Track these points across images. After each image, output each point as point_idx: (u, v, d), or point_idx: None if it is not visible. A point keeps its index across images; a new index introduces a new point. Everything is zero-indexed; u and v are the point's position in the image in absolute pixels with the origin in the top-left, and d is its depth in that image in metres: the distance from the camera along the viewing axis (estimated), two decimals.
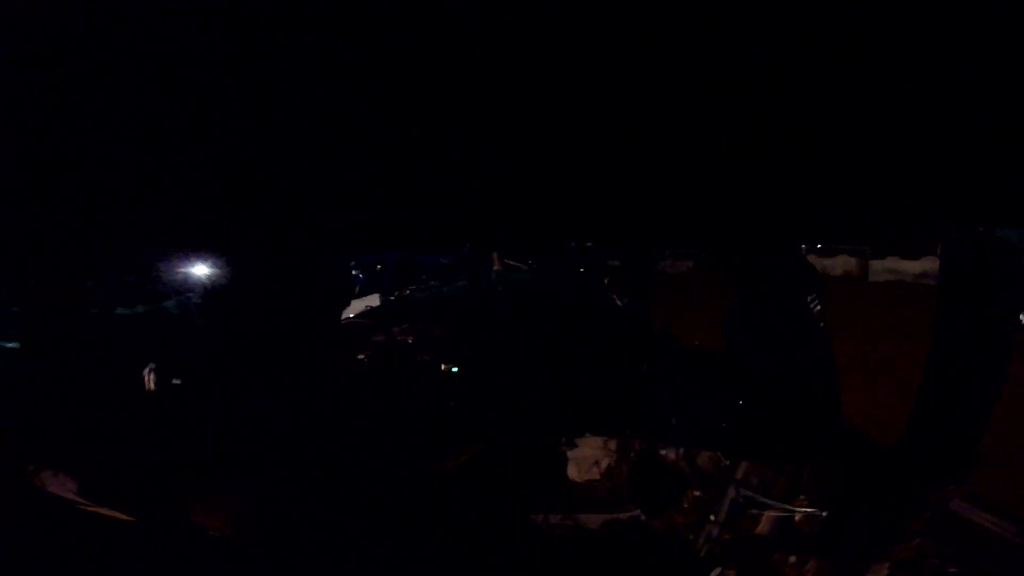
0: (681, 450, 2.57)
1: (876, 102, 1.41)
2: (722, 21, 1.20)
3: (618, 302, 4.68)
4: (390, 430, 2.66)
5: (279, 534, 2.03)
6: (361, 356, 3.41)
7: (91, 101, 1.53)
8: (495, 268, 5.42)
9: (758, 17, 1.18)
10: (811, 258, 15.52)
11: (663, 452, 2.63)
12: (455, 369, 3.44)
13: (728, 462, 2.33)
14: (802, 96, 1.47)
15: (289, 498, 2.15)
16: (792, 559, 1.95)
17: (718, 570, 2.00)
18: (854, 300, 10.70)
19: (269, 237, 2.62)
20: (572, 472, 2.63)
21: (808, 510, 2.01)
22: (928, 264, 13.57)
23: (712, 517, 2.15)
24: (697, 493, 2.34)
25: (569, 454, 2.69)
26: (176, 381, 2.55)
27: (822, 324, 2.31)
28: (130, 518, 1.96)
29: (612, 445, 2.72)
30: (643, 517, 2.34)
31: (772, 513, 2.06)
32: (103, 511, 1.97)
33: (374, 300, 4.69)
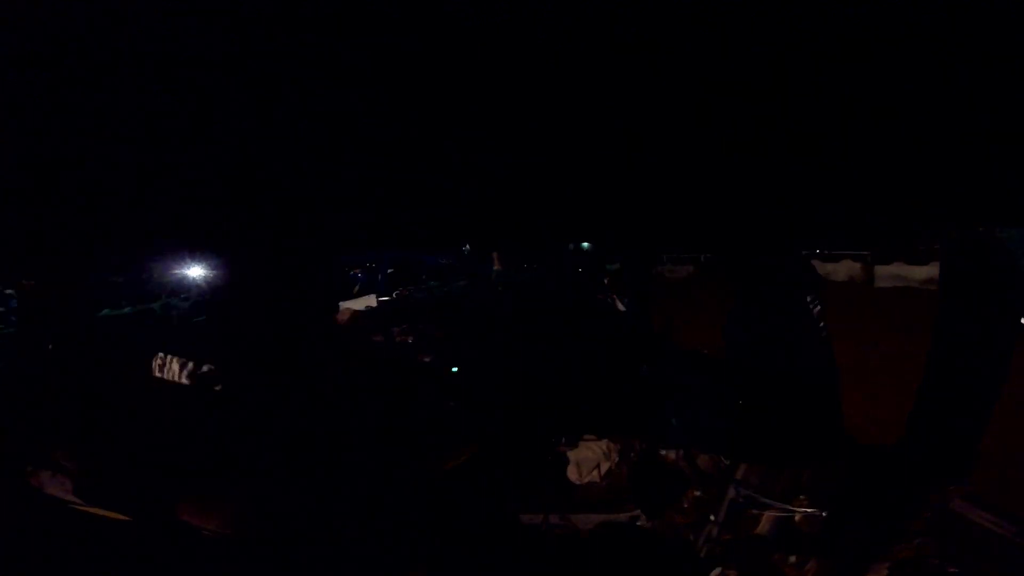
0: (681, 450, 2.57)
1: (876, 102, 1.41)
2: (722, 21, 1.20)
3: (618, 303, 4.69)
4: (390, 430, 2.66)
5: (278, 534, 2.03)
6: (361, 356, 3.41)
7: (91, 101, 1.53)
8: (495, 268, 5.42)
9: (758, 17, 1.18)
10: (815, 263, 15.26)
11: (663, 452, 2.63)
12: (455, 369, 3.44)
13: (728, 462, 2.33)
14: (800, 96, 1.47)
15: (289, 498, 2.15)
16: (792, 559, 1.95)
17: (718, 570, 2.00)
18: (859, 305, 10.54)
19: (269, 237, 2.62)
20: (572, 474, 2.63)
21: (808, 510, 2.01)
22: (934, 269, 13.18)
23: (712, 517, 2.15)
24: (697, 493, 2.34)
25: (569, 455, 2.69)
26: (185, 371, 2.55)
27: (822, 325, 2.31)
28: (128, 518, 1.96)
29: (612, 446, 2.72)
30: (643, 517, 2.34)
31: (772, 513, 2.06)
32: (101, 511, 1.97)
33: (371, 301, 4.69)
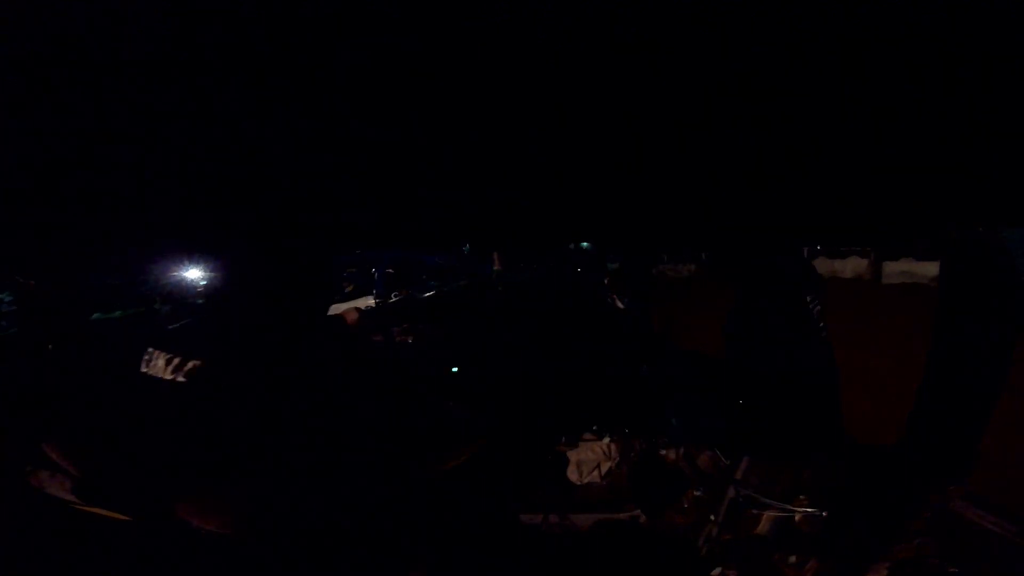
0: (681, 450, 2.57)
1: (876, 102, 1.41)
2: (722, 21, 1.20)
3: (618, 303, 4.69)
4: (390, 430, 2.66)
5: (278, 534, 2.03)
6: (361, 356, 3.41)
7: (91, 101, 1.53)
8: (495, 268, 5.42)
9: (757, 17, 1.18)
10: (820, 260, 15.07)
11: (663, 452, 2.63)
12: (455, 369, 3.44)
13: (728, 462, 2.33)
14: (800, 96, 1.47)
15: (288, 498, 2.15)
16: (792, 559, 1.95)
17: (718, 570, 2.00)
18: (866, 303, 10.39)
19: (269, 237, 2.62)
20: (572, 474, 2.63)
21: (808, 510, 2.01)
22: None
23: (712, 517, 2.15)
24: (697, 493, 2.34)
25: (569, 455, 2.70)
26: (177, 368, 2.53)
27: (822, 325, 2.32)
28: (126, 518, 1.96)
29: (612, 447, 2.72)
30: (643, 517, 2.34)
31: (772, 513, 2.06)
32: (100, 511, 1.97)
33: (366, 303, 4.65)
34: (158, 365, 2.51)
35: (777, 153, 1.74)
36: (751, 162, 1.80)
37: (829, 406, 2.29)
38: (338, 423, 2.54)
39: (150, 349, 2.48)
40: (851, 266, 15.20)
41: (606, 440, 2.76)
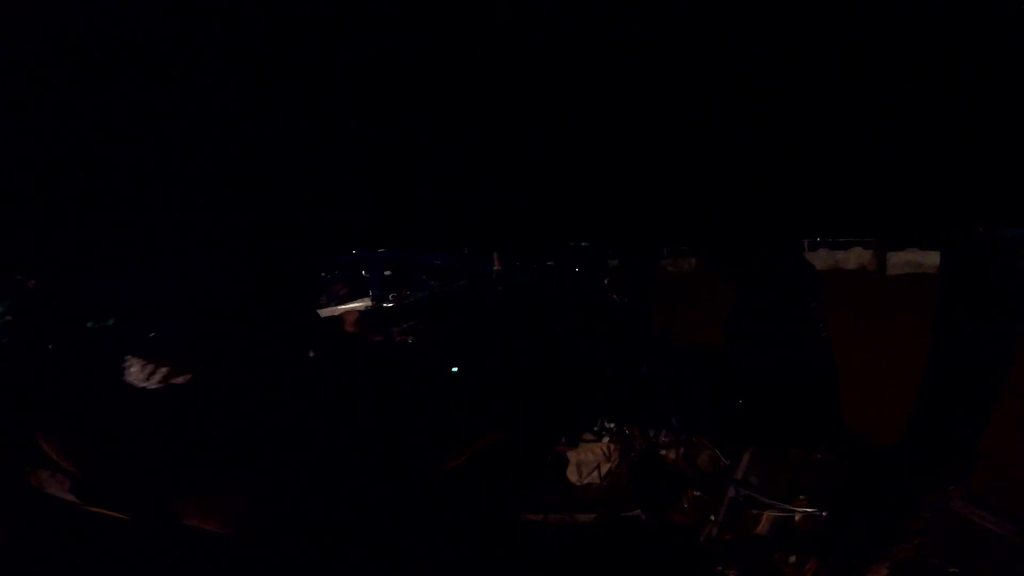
0: (681, 450, 2.57)
1: (876, 102, 1.41)
2: (722, 21, 1.20)
3: (618, 302, 4.68)
4: (390, 430, 2.66)
5: (278, 534, 2.03)
6: (361, 356, 3.41)
7: (91, 101, 1.53)
8: (495, 268, 5.41)
9: (757, 17, 1.18)
10: (823, 252, 14.89)
11: (663, 452, 2.63)
12: (455, 369, 3.44)
13: (728, 462, 2.33)
14: (800, 96, 1.47)
15: (288, 498, 2.15)
16: (792, 559, 1.95)
17: (718, 570, 2.00)
18: (871, 295, 10.22)
19: (268, 237, 2.62)
20: (572, 475, 2.63)
21: (808, 510, 2.01)
22: None
23: (712, 517, 2.15)
24: (697, 493, 2.34)
25: (569, 455, 2.70)
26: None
27: (822, 324, 2.32)
28: (126, 518, 1.96)
29: (612, 448, 2.72)
30: (643, 517, 2.34)
31: (772, 513, 2.06)
32: (99, 511, 1.97)
33: (365, 304, 4.60)
34: (155, 367, 2.51)
35: (776, 153, 1.74)
36: (749, 162, 1.80)
37: (829, 405, 2.29)
38: (338, 423, 2.54)
39: (147, 351, 2.48)
40: (854, 257, 14.89)
41: (606, 440, 2.76)
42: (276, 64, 1.40)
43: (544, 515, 2.33)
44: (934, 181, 1.61)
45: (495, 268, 5.28)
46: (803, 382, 2.28)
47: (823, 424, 2.23)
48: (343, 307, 4.24)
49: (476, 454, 2.60)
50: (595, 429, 2.86)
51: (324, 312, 3.96)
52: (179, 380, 2.52)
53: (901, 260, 13.83)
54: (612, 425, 2.86)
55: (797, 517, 2.04)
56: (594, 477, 2.62)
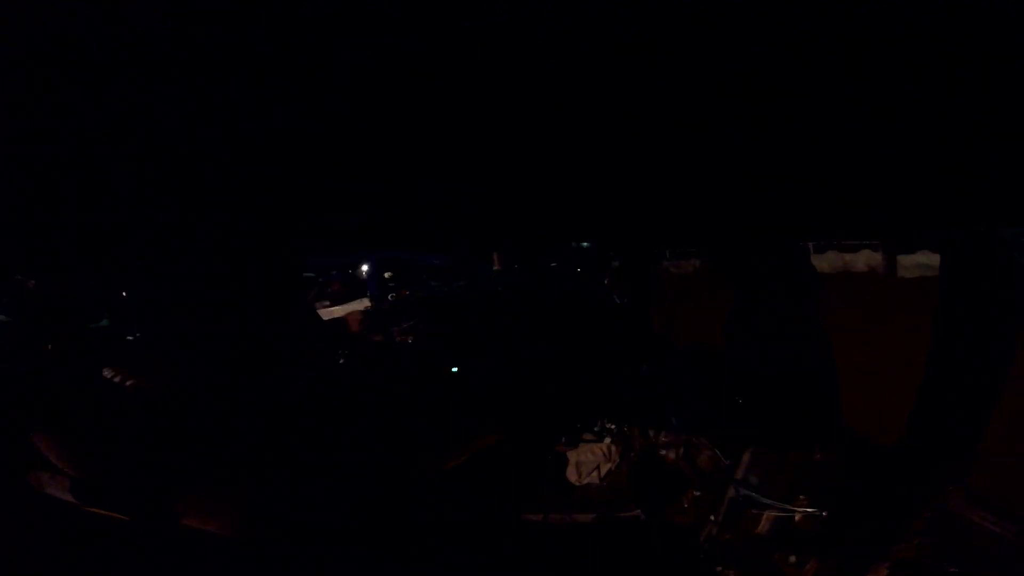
0: (681, 450, 2.57)
1: (876, 102, 1.41)
2: (722, 21, 1.20)
3: (619, 302, 4.68)
4: (390, 430, 2.66)
5: (277, 535, 2.03)
6: (361, 356, 3.41)
7: (91, 101, 1.52)
8: (495, 268, 5.40)
9: (757, 17, 1.18)
10: (831, 254, 14.60)
11: (663, 452, 2.63)
12: (455, 369, 3.44)
13: (728, 462, 2.33)
14: (799, 96, 1.47)
15: (288, 498, 2.15)
16: (792, 559, 1.95)
17: (718, 570, 2.00)
18: (881, 298, 10.07)
19: (268, 237, 2.62)
20: (571, 475, 2.63)
21: (808, 510, 2.01)
22: None
23: (712, 517, 2.15)
24: (697, 493, 2.34)
25: (569, 455, 2.70)
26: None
27: (821, 324, 2.32)
28: (125, 518, 1.96)
29: (612, 448, 2.72)
30: (643, 517, 2.34)
31: (772, 513, 2.06)
32: (99, 511, 1.97)
33: (359, 307, 4.59)
34: (155, 367, 2.51)
35: (775, 153, 1.74)
36: (749, 162, 1.80)
37: (829, 405, 2.29)
38: (338, 423, 2.54)
39: (147, 351, 2.48)
40: (864, 259, 14.49)
41: (606, 441, 2.76)
42: (276, 64, 1.40)
43: (544, 515, 2.33)
44: (934, 181, 1.61)
45: (495, 268, 5.27)
46: (803, 382, 2.28)
47: (823, 424, 2.22)
48: (343, 307, 4.24)
49: (476, 454, 2.60)
50: (595, 429, 2.86)
51: (324, 312, 3.96)
52: (179, 380, 2.52)
53: (912, 262, 13.41)
54: (612, 425, 2.86)
55: (797, 517, 2.04)
56: (594, 477, 2.62)
